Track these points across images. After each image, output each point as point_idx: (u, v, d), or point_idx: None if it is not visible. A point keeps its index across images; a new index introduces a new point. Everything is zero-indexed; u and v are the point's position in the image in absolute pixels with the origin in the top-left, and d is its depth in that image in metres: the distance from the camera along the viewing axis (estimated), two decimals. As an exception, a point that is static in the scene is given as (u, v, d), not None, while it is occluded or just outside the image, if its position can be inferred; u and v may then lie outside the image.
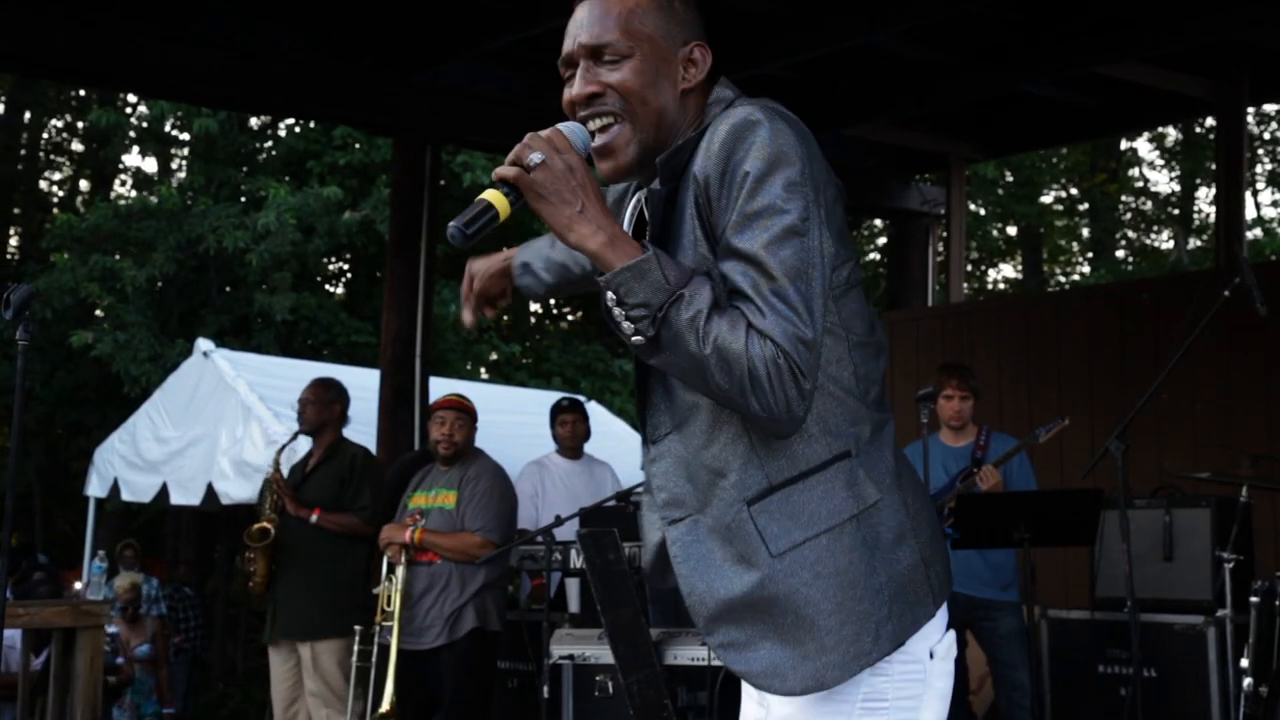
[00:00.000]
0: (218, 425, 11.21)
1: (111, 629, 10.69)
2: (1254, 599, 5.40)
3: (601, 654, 5.76)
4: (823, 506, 2.15)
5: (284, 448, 7.20)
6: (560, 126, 2.19)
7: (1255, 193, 23.44)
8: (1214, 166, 15.52)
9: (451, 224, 2.09)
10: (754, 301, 2.06)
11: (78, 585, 12.06)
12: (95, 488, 12.92)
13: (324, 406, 7.08)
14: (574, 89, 2.27)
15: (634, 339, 2.09)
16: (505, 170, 2.12)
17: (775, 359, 2.03)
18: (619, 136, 2.25)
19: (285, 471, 7.13)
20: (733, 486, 2.18)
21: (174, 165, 21.02)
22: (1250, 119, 18.01)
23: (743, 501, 2.17)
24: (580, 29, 2.26)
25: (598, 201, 2.13)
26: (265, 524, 6.88)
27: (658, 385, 2.28)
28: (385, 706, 6.34)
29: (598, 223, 2.11)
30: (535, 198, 2.11)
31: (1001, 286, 25.53)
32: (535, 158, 2.11)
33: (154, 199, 17.00)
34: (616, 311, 2.09)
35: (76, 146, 23.75)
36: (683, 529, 2.24)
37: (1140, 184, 25.30)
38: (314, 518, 6.81)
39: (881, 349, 2.29)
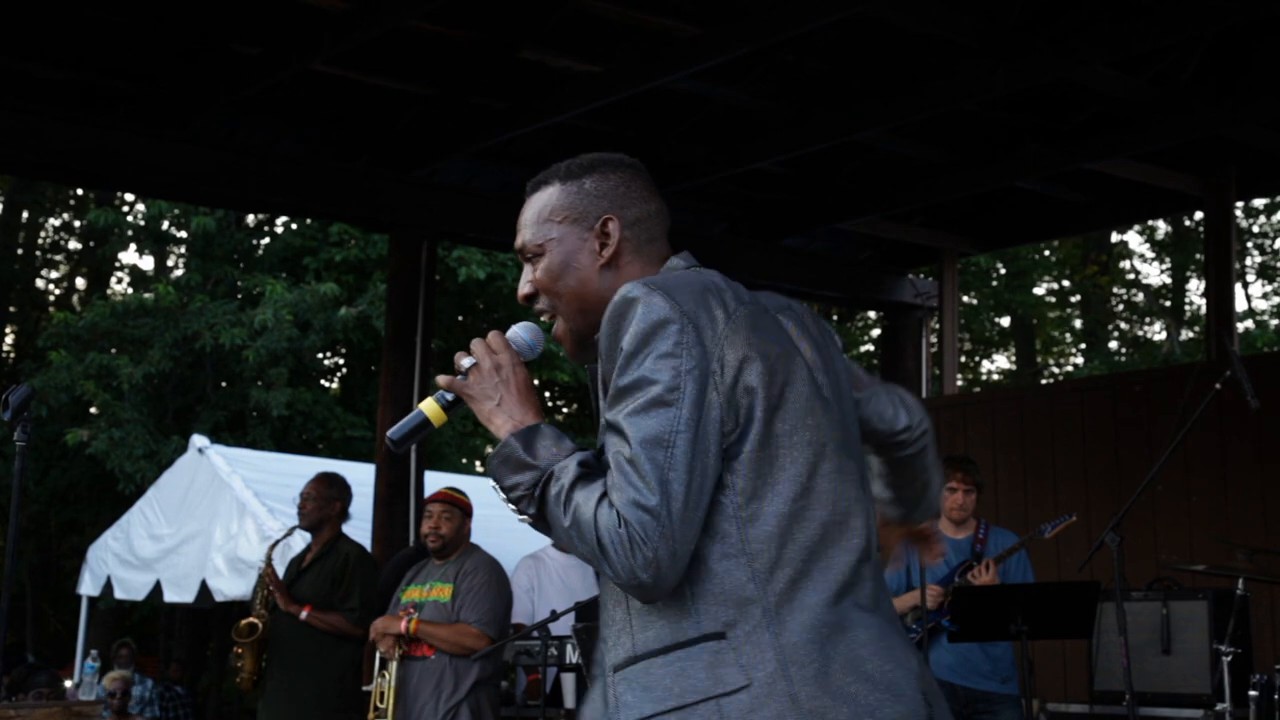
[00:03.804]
0: (212, 522, 11.17)
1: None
2: (1253, 693, 5.39)
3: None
4: (676, 684, 2.04)
5: (278, 543, 7.17)
6: (515, 327, 2.29)
7: (1245, 285, 23.61)
8: (1204, 259, 15.64)
9: (389, 433, 2.22)
10: (612, 471, 2.03)
11: (69, 684, 11.96)
12: (88, 586, 12.85)
13: (324, 503, 7.04)
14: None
15: (521, 519, 2.12)
16: (441, 378, 2.22)
17: (616, 528, 1.98)
18: (558, 328, 2.31)
19: (281, 566, 7.10)
20: (609, 651, 2.15)
21: (171, 263, 21.14)
22: (1239, 213, 18.16)
23: (612, 668, 2.13)
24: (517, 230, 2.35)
25: (518, 393, 2.19)
26: (254, 619, 6.83)
27: None
28: (380, 806, 6.25)
29: (510, 412, 2.17)
30: (468, 399, 2.20)
31: (995, 377, 25.60)
32: (466, 362, 2.20)
33: (150, 296, 17.08)
34: (500, 496, 2.13)
35: (74, 245, 23.91)
36: (595, 687, 2.21)
37: (1131, 276, 25.49)
38: (304, 615, 6.76)
39: (822, 523, 2.10)
